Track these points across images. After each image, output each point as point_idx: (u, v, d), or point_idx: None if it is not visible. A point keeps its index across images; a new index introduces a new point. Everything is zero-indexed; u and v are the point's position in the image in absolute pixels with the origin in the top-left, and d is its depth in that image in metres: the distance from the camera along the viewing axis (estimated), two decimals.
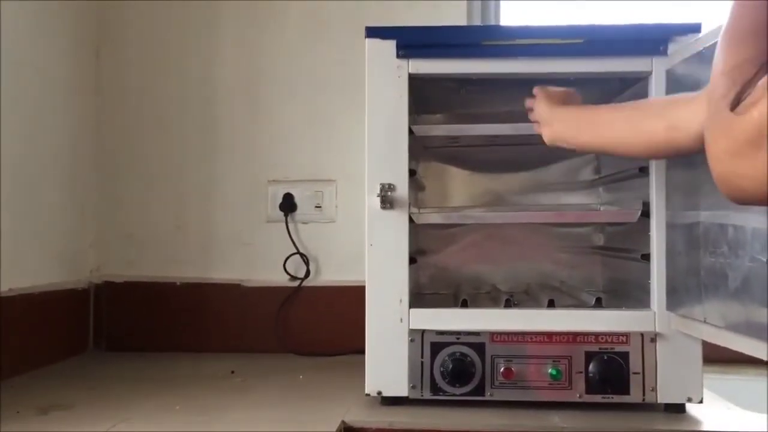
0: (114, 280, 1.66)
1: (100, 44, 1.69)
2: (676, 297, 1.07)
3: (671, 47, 1.10)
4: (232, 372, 1.42)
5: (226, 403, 1.19)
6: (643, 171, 1.14)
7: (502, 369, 1.13)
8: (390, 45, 1.15)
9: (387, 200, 1.13)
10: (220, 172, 1.67)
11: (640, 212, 1.14)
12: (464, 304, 1.17)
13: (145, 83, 1.69)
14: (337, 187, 1.64)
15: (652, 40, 1.11)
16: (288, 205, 1.63)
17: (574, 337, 1.13)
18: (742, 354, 1.47)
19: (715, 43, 0.64)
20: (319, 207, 1.64)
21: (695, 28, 1.10)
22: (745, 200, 0.61)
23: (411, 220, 1.15)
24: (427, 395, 1.13)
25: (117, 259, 1.67)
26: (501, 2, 1.72)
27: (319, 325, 1.62)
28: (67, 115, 1.58)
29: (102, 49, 1.69)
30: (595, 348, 1.12)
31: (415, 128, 1.17)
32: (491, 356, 1.13)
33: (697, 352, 1.10)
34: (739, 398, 1.21)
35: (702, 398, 1.10)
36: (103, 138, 1.68)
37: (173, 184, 1.67)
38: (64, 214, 1.56)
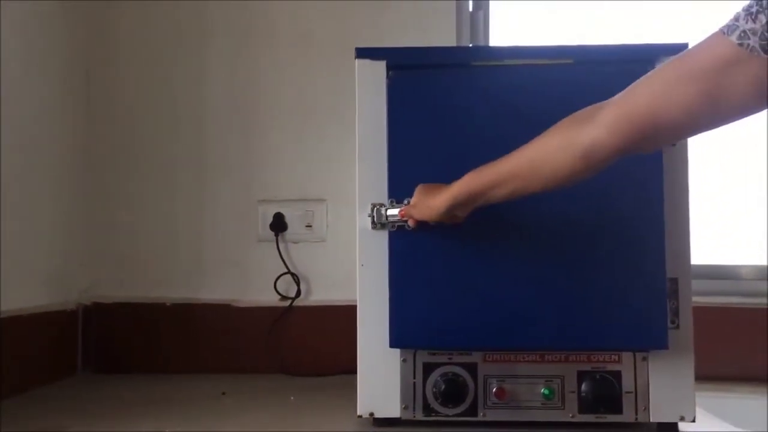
0: (103, 302, 1.65)
1: (91, 65, 1.68)
2: None
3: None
4: (223, 393, 1.40)
5: (217, 424, 1.17)
6: None
7: (494, 389, 1.12)
8: (380, 65, 1.15)
9: (378, 220, 1.13)
10: (210, 191, 1.66)
11: None
12: None
13: (135, 104, 1.68)
14: (327, 207, 1.64)
15: (640, 60, 1.11)
16: (278, 224, 1.63)
17: (566, 356, 1.12)
18: (734, 372, 1.50)
19: None
20: (310, 226, 1.64)
21: (682, 48, 1.09)
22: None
23: None
24: (420, 416, 1.12)
25: (106, 280, 1.65)
26: (489, 22, 1.74)
27: (310, 345, 1.61)
28: (56, 136, 1.57)
29: (92, 71, 1.68)
30: (587, 367, 1.12)
31: None
32: (484, 376, 1.12)
33: (689, 370, 1.10)
34: (731, 416, 1.21)
35: (695, 417, 1.10)
36: (93, 158, 1.67)
37: (163, 204, 1.67)
38: (53, 235, 1.55)
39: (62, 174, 1.60)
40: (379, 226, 1.13)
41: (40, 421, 1.19)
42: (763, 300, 1.57)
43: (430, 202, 1.04)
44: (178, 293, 1.64)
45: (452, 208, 1.03)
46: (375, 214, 1.13)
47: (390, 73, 1.15)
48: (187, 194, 1.67)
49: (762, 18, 0.73)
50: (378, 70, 1.15)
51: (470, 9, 1.72)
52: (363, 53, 1.16)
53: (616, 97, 0.86)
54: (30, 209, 1.46)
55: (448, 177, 1.08)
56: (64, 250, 1.59)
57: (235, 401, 1.35)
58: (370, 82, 1.15)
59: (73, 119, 1.64)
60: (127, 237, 1.67)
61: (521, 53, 1.17)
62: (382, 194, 1.13)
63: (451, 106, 1.13)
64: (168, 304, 1.64)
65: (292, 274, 1.63)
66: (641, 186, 1.10)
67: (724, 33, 0.76)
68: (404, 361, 1.13)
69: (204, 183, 1.67)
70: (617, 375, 1.11)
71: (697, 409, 1.11)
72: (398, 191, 1.12)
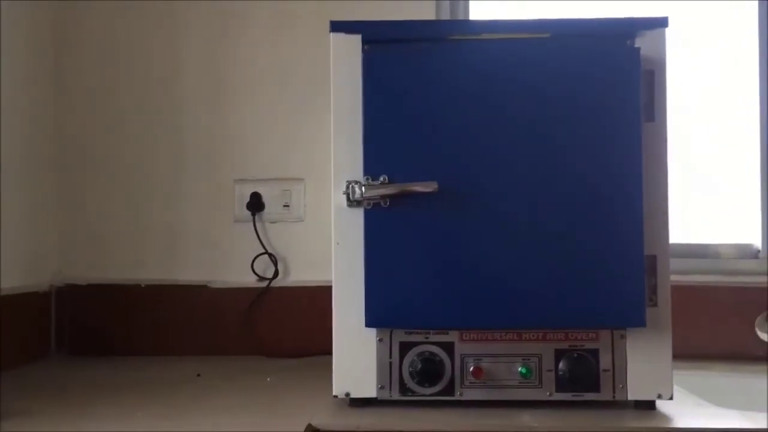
0: (77, 283, 1.63)
1: (59, 44, 1.65)
2: None
3: (638, 41, 1.10)
4: (198, 375, 1.39)
5: (191, 407, 1.16)
6: None
7: (471, 368, 1.11)
8: (356, 39, 1.13)
9: (353, 198, 1.11)
10: (185, 171, 1.64)
11: None
12: None
13: (106, 83, 1.66)
14: (305, 186, 1.63)
15: (618, 34, 1.11)
16: (255, 204, 1.62)
17: (544, 334, 1.12)
18: (712, 350, 1.50)
19: None
20: (287, 206, 1.63)
21: (662, 22, 1.11)
22: None
23: None
24: (396, 396, 1.11)
25: (80, 262, 1.64)
26: (470, 3, 1.71)
27: (288, 327, 1.60)
28: (24, 116, 1.53)
29: (61, 47, 1.65)
30: (565, 345, 1.11)
31: None
32: (461, 355, 1.12)
33: (667, 348, 1.10)
34: (709, 394, 1.21)
35: (672, 395, 1.09)
36: (65, 139, 1.65)
37: (137, 184, 1.65)
38: (24, 217, 1.52)
39: (33, 154, 1.56)
40: (354, 203, 1.11)
41: (6, 404, 1.16)
42: (742, 279, 1.57)
43: None
44: (152, 274, 1.63)
45: None
46: (350, 191, 1.11)
47: (365, 47, 1.13)
48: (161, 173, 1.65)
49: None
50: (353, 44, 1.13)
51: None
52: (338, 27, 1.14)
53: None
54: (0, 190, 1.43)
55: (423, 152, 1.09)
56: (36, 231, 1.57)
57: (210, 383, 1.34)
58: (345, 57, 1.13)
59: (43, 99, 1.61)
60: (101, 217, 1.65)
61: (498, 27, 1.15)
62: (357, 171, 1.11)
63: (427, 80, 1.11)
64: (142, 286, 1.62)
65: (270, 255, 1.61)
66: (620, 163, 1.09)
67: None
68: (380, 340, 1.12)
69: (179, 162, 1.64)
70: (595, 353, 1.11)
71: (675, 387, 1.10)
72: (374, 168, 1.10)
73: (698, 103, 1.69)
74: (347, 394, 1.12)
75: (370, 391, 1.12)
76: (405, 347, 1.12)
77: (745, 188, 1.67)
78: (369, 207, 1.10)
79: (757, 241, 1.63)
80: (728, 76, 1.70)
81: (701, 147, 1.68)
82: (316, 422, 1.04)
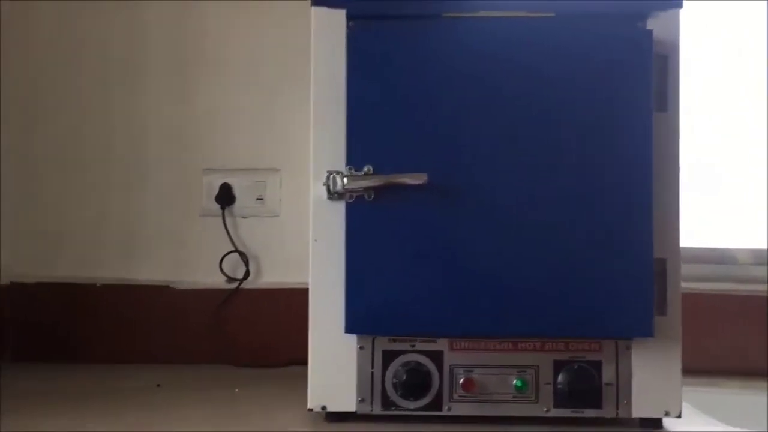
0: (24, 281, 1.57)
1: (4, 24, 1.57)
2: None
3: (650, 23, 1.06)
4: (158, 385, 1.33)
5: (149, 421, 1.10)
6: None
7: (461, 380, 1.06)
8: (339, 15, 1.08)
9: (334, 190, 1.06)
10: (147, 160, 1.59)
11: None
12: None
13: (60, 65, 1.59)
14: (281, 178, 1.58)
15: (629, 14, 1.06)
16: (225, 196, 1.57)
17: (542, 344, 1.07)
18: (727, 365, 1.47)
19: None
20: (261, 199, 1.58)
21: (676, 3, 1.06)
22: None
23: None
24: (378, 410, 1.06)
25: (28, 257, 1.58)
26: None
27: (259, 332, 1.55)
28: None
29: (7, 29, 1.57)
30: (565, 356, 1.06)
31: None
32: (450, 366, 1.06)
33: (676, 361, 1.05)
34: (722, 413, 1.17)
35: (680, 412, 1.05)
36: (13, 125, 1.58)
37: (94, 173, 1.59)
38: None
39: None
40: (336, 196, 1.06)
41: None
42: (758, 287, 1.54)
43: None
44: (109, 273, 1.57)
45: None
46: (331, 182, 1.06)
47: (350, 23, 1.08)
48: (121, 162, 1.59)
49: None
50: (337, 20, 1.08)
51: None
52: (320, 0, 1.08)
53: None
54: None
55: (412, 140, 1.05)
56: None
57: (171, 395, 1.28)
58: (328, 34, 1.08)
59: None
60: (54, 209, 1.59)
61: (497, 4, 1.09)
62: (339, 161, 1.06)
63: (418, 61, 1.06)
64: (98, 285, 1.56)
65: (240, 253, 1.56)
66: (628, 156, 1.04)
67: None
68: (361, 348, 1.07)
69: (141, 150, 1.59)
70: (597, 365, 1.06)
71: (684, 404, 1.06)
72: (357, 157, 1.04)
73: (715, 98, 1.66)
74: (323, 408, 1.07)
75: (348, 404, 1.07)
76: (388, 356, 1.07)
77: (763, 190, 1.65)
78: (351, 200, 1.05)
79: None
80: (751, 73, 1.67)
81: (717, 144, 1.66)
82: None
